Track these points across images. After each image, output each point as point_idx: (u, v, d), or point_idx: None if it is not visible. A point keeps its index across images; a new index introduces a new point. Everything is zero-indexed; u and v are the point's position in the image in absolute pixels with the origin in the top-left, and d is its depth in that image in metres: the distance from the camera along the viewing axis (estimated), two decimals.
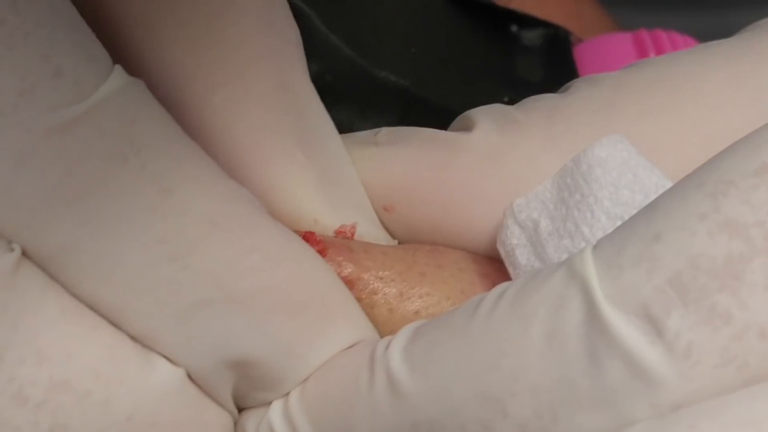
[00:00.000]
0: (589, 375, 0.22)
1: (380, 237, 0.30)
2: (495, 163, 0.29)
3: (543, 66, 0.41)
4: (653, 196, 0.24)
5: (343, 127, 0.34)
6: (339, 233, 0.29)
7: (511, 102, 0.31)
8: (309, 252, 0.27)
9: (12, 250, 0.23)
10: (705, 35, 0.34)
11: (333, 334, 0.26)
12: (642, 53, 0.40)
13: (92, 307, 0.24)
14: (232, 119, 0.28)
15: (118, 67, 0.24)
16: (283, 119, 0.29)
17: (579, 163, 0.28)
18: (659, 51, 0.40)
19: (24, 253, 0.23)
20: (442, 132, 0.30)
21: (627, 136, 0.28)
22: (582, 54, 0.41)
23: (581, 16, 0.48)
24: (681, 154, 0.28)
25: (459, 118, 0.31)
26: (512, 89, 0.39)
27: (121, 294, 0.24)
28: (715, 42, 0.30)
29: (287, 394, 0.26)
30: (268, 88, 0.29)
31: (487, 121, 0.30)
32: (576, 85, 0.30)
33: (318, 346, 0.26)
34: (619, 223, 0.26)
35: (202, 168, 0.25)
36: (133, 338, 0.25)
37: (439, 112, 0.36)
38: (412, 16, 0.38)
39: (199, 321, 0.25)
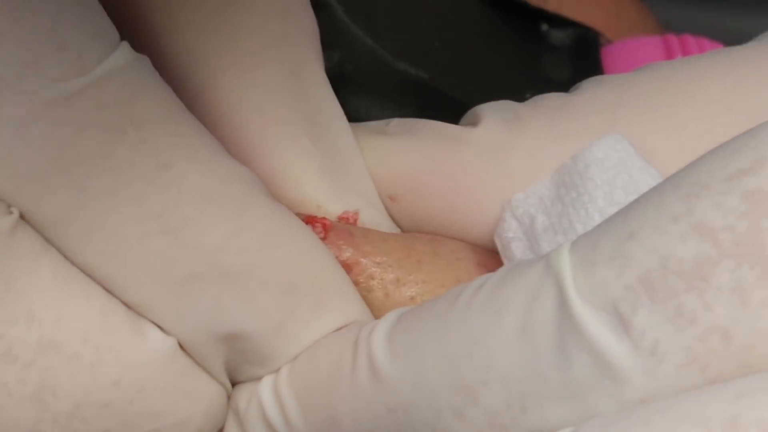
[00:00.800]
0: (557, 368, 0.22)
1: (384, 225, 0.31)
2: (497, 157, 0.29)
3: (569, 66, 0.41)
4: None
5: (361, 117, 0.35)
6: (342, 219, 0.30)
7: None
8: (306, 233, 0.27)
9: (10, 213, 0.24)
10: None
11: (326, 315, 0.27)
12: (669, 57, 0.40)
13: (87, 274, 0.25)
14: (239, 103, 0.29)
15: (124, 44, 0.25)
16: (291, 105, 0.29)
17: (577, 162, 0.28)
18: (686, 55, 0.40)
19: (22, 218, 0.24)
20: (450, 125, 0.31)
21: (628, 137, 0.29)
22: (609, 56, 0.41)
23: (621, 16, 0.48)
24: (681, 157, 0.28)
25: (468, 112, 0.32)
26: (535, 87, 0.39)
27: (114, 263, 0.25)
28: (726, 48, 0.30)
29: (278, 370, 0.27)
30: (277, 74, 0.29)
31: (493, 117, 0.30)
32: (584, 84, 0.31)
33: (310, 325, 0.27)
34: None
35: (200, 146, 0.26)
36: (127, 306, 0.25)
37: (458, 107, 0.36)
38: (438, 10, 0.38)
39: (191, 294, 0.25)
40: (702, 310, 0.21)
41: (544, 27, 0.42)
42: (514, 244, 0.29)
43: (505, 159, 0.29)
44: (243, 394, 0.27)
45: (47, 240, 0.25)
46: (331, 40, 0.35)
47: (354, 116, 0.34)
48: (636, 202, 0.23)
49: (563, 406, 0.22)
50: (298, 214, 0.29)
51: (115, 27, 0.25)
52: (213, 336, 0.26)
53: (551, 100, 0.30)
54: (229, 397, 0.28)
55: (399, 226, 0.31)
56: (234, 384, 0.28)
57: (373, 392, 0.25)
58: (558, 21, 0.42)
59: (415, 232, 0.31)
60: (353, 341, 0.25)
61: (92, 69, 0.24)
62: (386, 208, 0.31)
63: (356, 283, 0.29)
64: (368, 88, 0.36)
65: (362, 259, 0.29)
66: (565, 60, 0.41)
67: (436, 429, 0.23)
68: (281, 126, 0.29)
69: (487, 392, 0.23)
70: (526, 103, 0.31)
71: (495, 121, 0.30)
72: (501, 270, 0.24)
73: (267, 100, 0.29)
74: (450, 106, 0.37)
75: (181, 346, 0.26)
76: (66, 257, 0.25)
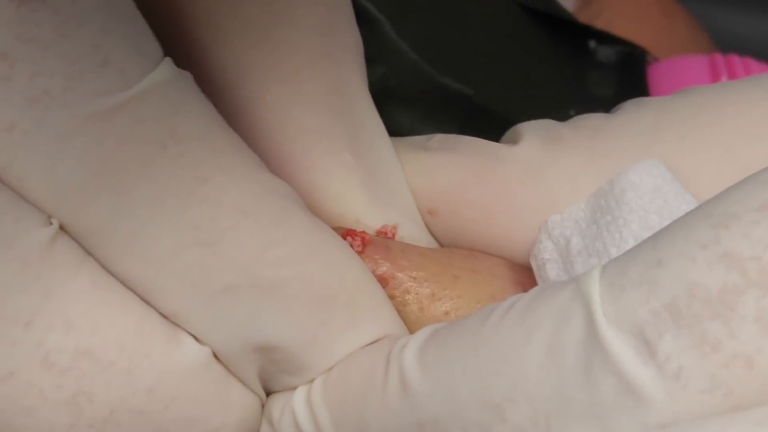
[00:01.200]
0: (583, 389, 0.22)
1: (422, 239, 0.31)
2: (536, 176, 0.30)
3: (614, 83, 0.41)
4: None
5: (404, 131, 0.35)
6: (380, 233, 0.30)
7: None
8: (342, 247, 0.28)
9: (51, 224, 0.25)
10: None
11: (360, 328, 0.27)
12: (715, 77, 0.40)
13: (125, 284, 0.26)
14: (282, 118, 0.30)
15: (166, 60, 0.25)
16: (333, 121, 0.30)
17: (613, 186, 0.28)
18: (732, 76, 0.40)
19: (62, 228, 0.25)
20: (490, 143, 0.31)
21: (666, 161, 0.29)
22: (655, 74, 0.42)
23: (673, 34, 0.48)
24: (717, 183, 0.28)
25: (509, 130, 0.32)
26: (580, 104, 0.40)
27: (152, 274, 0.25)
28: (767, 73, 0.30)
29: (312, 381, 0.28)
30: (320, 91, 0.30)
31: (533, 136, 0.30)
32: (625, 106, 0.31)
33: (344, 338, 0.27)
34: None
35: (239, 160, 0.26)
36: (163, 316, 0.26)
37: (501, 122, 0.37)
38: (485, 26, 0.39)
39: (226, 305, 0.26)
40: (727, 338, 0.21)
41: (592, 44, 0.42)
42: (549, 266, 0.29)
43: (543, 178, 0.30)
44: (277, 403, 0.28)
45: (86, 250, 0.25)
46: (376, 54, 0.36)
47: (397, 131, 0.35)
48: (666, 228, 0.23)
49: (587, 427, 0.22)
50: (337, 228, 0.30)
51: (158, 43, 0.26)
52: (247, 346, 0.27)
53: (592, 120, 0.31)
54: (263, 406, 0.28)
55: (438, 241, 0.32)
56: (269, 393, 0.29)
57: (403, 406, 0.25)
58: (605, 38, 0.42)
59: (454, 248, 0.31)
60: (386, 355, 0.26)
61: (134, 84, 0.24)
62: (425, 222, 0.32)
63: (392, 297, 0.29)
64: (412, 102, 0.36)
65: (398, 274, 0.29)
66: (611, 77, 0.41)
67: None
68: (323, 141, 0.30)
69: (514, 409, 0.23)
70: (567, 123, 0.31)
71: (535, 140, 0.30)
72: (533, 290, 0.24)
73: (310, 115, 0.30)
74: (494, 122, 0.37)
75: (215, 356, 0.27)
76: (104, 267, 0.26)
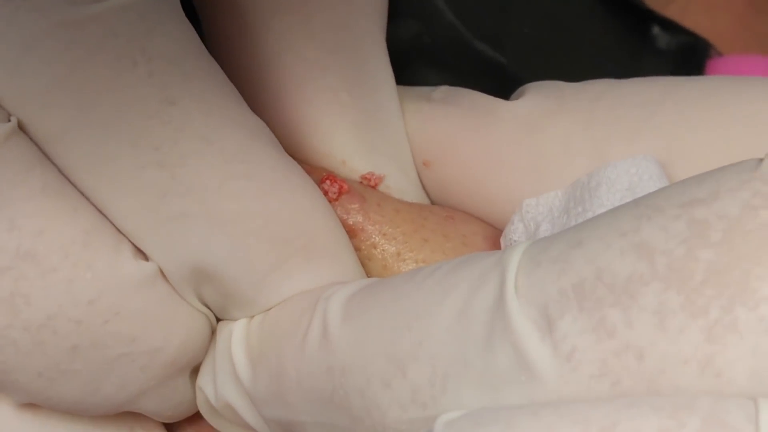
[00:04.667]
0: (482, 356, 0.22)
1: (409, 192, 0.31)
2: (529, 135, 0.29)
3: (670, 72, 0.40)
4: None
5: None
6: (364, 179, 0.30)
7: None
8: (309, 191, 0.28)
9: (9, 121, 0.25)
10: None
11: (313, 273, 0.27)
12: None
13: (82, 193, 0.26)
14: (286, 46, 0.29)
15: None
16: (336, 57, 0.30)
17: (590, 179, 0.28)
18: None
19: (22, 129, 0.25)
20: (492, 98, 0.31)
21: (661, 135, 0.28)
22: (713, 69, 0.40)
23: (753, 27, 0.46)
24: (707, 164, 0.27)
25: (519, 88, 0.31)
26: None
27: (108, 188, 0.26)
28: None
29: (253, 316, 0.28)
30: (328, 26, 0.30)
31: (536, 95, 0.30)
32: (638, 78, 0.30)
33: (294, 279, 0.27)
34: None
35: (212, 89, 0.26)
36: (116, 230, 0.26)
37: None
38: None
39: (180, 230, 0.26)
40: (623, 326, 0.20)
41: (655, 29, 0.41)
42: None
43: (537, 138, 0.29)
44: (223, 331, 0.28)
45: (46, 155, 0.26)
46: (412, 10, 0.35)
47: None
48: (601, 214, 0.22)
49: (480, 394, 0.22)
50: (319, 169, 0.29)
51: None
52: (196, 274, 0.27)
53: (599, 85, 0.30)
54: (213, 332, 0.29)
55: (429, 196, 0.31)
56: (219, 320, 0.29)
57: (319, 350, 0.25)
58: (669, 25, 0.40)
59: (433, 207, 0.31)
60: (316, 299, 0.26)
61: None
62: (419, 173, 0.31)
63: (358, 249, 0.29)
64: (442, 63, 0.36)
65: (368, 227, 0.29)
66: (666, 65, 0.40)
67: (365, 395, 0.24)
68: (321, 75, 0.30)
69: (416, 367, 0.23)
70: (576, 84, 0.30)
71: (536, 98, 0.30)
72: (465, 255, 0.24)
73: (312, 48, 0.30)
74: None
75: (163, 276, 0.27)
76: (63, 174, 0.26)
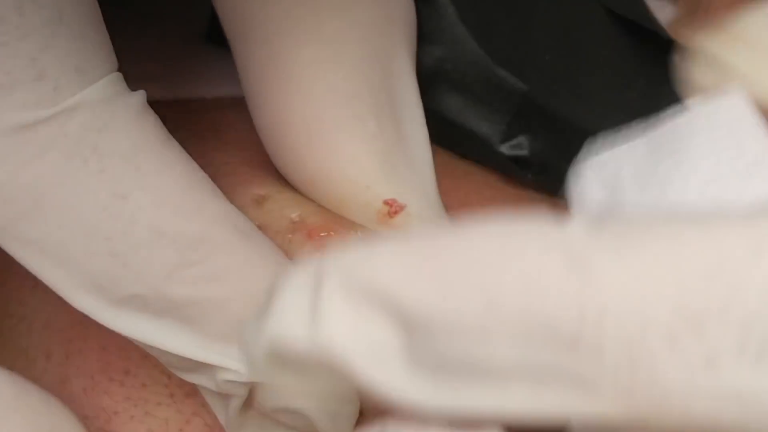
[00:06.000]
0: None
1: (431, 220, 0.31)
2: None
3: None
4: None
5: (453, 116, 0.35)
6: (386, 204, 0.30)
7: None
8: (271, 272, 0.28)
9: None
10: None
11: None
12: None
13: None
14: (314, 76, 0.30)
15: (111, 78, 0.26)
16: (364, 86, 0.30)
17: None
18: None
19: None
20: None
21: None
22: None
23: None
24: None
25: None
26: (644, 115, 0.38)
27: (61, 270, 0.27)
28: None
29: None
30: (357, 55, 0.30)
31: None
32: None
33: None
34: None
35: (164, 183, 0.27)
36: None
37: (553, 122, 0.36)
38: (559, 23, 0.38)
39: (130, 312, 0.27)
40: None
41: (677, 58, 0.41)
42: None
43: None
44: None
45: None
46: (435, 36, 0.36)
47: (446, 114, 0.35)
48: None
49: None
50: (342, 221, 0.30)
51: (111, 60, 0.27)
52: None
53: None
54: None
55: None
56: None
57: None
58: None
59: None
60: None
61: (64, 100, 0.25)
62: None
63: None
64: (464, 89, 0.36)
65: None
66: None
67: None
68: (350, 104, 0.30)
69: None
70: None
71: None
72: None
73: (341, 78, 0.30)
74: (545, 120, 0.37)
75: None
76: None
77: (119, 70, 0.28)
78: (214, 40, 0.37)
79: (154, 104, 0.29)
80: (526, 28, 0.37)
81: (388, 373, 0.19)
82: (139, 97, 0.27)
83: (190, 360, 0.28)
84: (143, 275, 0.27)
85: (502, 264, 0.19)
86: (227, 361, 0.28)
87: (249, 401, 0.29)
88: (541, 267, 0.19)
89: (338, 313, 0.19)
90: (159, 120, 0.28)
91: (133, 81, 0.28)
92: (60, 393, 0.31)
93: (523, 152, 0.36)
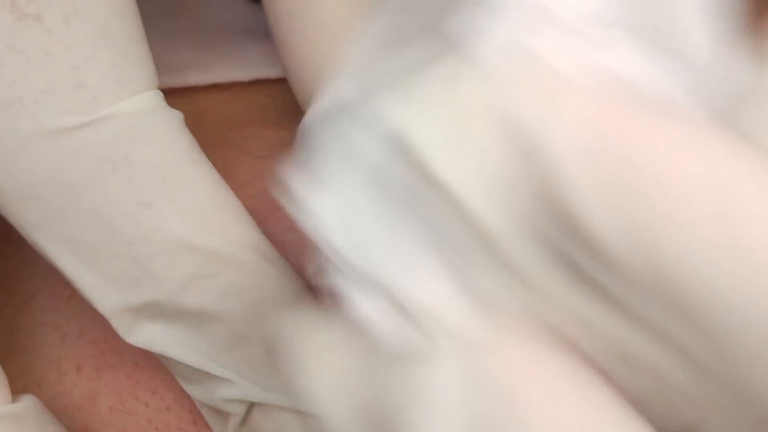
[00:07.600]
0: None
1: None
2: None
3: None
4: None
5: None
6: None
7: None
8: (284, 294, 0.29)
9: None
10: None
11: None
12: None
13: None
14: (343, 19, 0.29)
15: (149, 95, 0.28)
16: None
17: None
18: None
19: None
20: None
21: None
22: None
23: None
24: None
25: None
26: None
27: (82, 268, 0.28)
28: None
29: None
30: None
31: None
32: None
33: None
34: None
35: (191, 200, 0.28)
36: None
37: None
38: None
39: (147, 318, 0.29)
40: None
41: None
42: None
43: None
44: None
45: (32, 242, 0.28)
46: None
47: None
48: None
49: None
50: None
51: (151, 76, 0.28)
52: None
53: None
54: None
55: None
56: None
57: None
58: None
59: None
60: None
61: (102, 109, 0.27)
62: None
63: None
64: None
65: None
66: None
67: None
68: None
69: None
70: None
71: None
72: None
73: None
74: None
75: None
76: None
77: (155, 60, 0.29)
78: None
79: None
80: None
81: None
82: (176, 115, 0.28)
83: (198, 371, 0.29)
84: (160, 281, 0.28)
85: None
86: (229, 374, 0.29)
87: (246, 420, 0.30)
88: None
89: None
90: (194, 140, 0.29)
91: (165, 70, 0.29)
92: (88, 409, 0.32)
93: None
